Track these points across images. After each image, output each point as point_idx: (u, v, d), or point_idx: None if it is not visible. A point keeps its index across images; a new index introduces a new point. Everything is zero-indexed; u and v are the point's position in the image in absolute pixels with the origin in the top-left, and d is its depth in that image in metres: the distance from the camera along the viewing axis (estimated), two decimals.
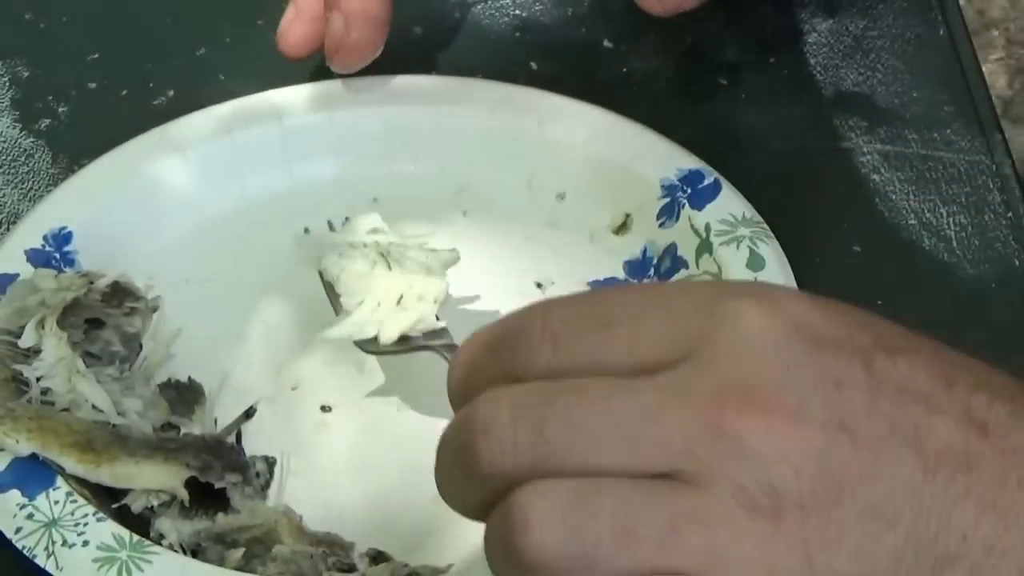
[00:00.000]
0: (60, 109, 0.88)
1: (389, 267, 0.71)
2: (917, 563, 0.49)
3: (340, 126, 0.83)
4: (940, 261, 0.79)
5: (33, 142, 0.86)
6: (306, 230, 0.76)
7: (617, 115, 0.82)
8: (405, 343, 0.71)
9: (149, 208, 0.81)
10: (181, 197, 0.81)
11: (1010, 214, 0.80)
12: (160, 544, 0.67)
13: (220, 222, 0.82)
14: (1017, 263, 0.78)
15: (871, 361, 0.50)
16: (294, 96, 0.84)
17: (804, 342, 0.50)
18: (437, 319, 0.71)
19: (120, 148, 0.82)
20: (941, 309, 0.77)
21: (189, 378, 0.74)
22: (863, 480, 0.49)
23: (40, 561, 0.66)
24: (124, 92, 0.89)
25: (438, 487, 0.53)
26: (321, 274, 0.73)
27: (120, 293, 0.74)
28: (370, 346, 0.71)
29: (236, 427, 0.74)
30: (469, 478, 0.51)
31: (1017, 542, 0.49)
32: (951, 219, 0.80)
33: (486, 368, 0.53)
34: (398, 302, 0.70)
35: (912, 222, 0.80)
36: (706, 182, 0.79)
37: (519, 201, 0.82)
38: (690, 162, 0.80)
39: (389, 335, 0.70)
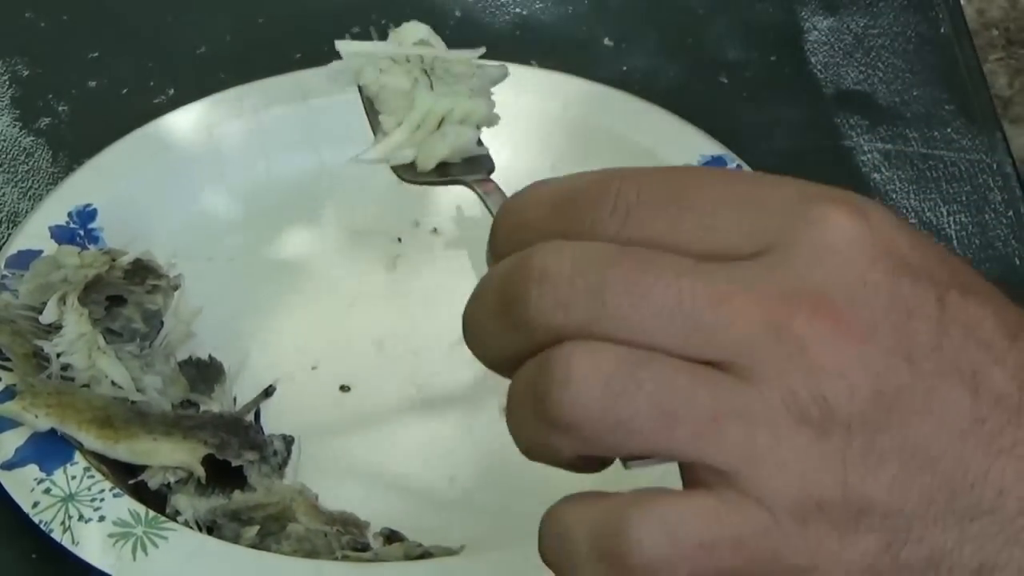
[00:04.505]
0: (60, 108, 0.84)
1: (432, 85, 0.63)
2: (948, 508, 0.44)
3: None
4: None
5: (33, 140, 0.82)
6: (347, 35, 0.68)
7: (641, 100, 0.79)
8: (443, 170, 0.62)
9: (174, 186, 0.77)
10: (206, 176, 0.77)
11: (1010, 213, 0.76)
12: (176, 520, 0.64)
13: (244, 201, 0.78)
14: (1018, 262, 0.74)
15: (945, 296, 0.44)
16: (321, 77, 0.78)
17: (887, 262, 0.44)
18: (480, 144, 0.62)
19: (146, 127, 0.78)
20: None
21: (209, 356, 0.70)
22: (914, 413, 0.43)
23: (56, 535, 0.62)
24: (124, 91, 0.84)
25: (464, 330, 0.46)
26: (360, 89, 0.64)
27: (142, 270, 0.70)
28: (406, 173, 0.62)
29: (255, 405, 0.70)
30: (510, 325, 0.44)
31: None
32: (952, 218, 0.76)
33: (544, 223, 0.45)
34: (439, 124, 0.62)
35: (913, 221, 0.76)
36: (729, 168, 0.75)
37: None
38: (714, 148, 0.76)
39: (426, 162, 0.62)
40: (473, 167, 0.61)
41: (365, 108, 0.63)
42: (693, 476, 0.43)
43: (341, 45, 0.64)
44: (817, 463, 0.43)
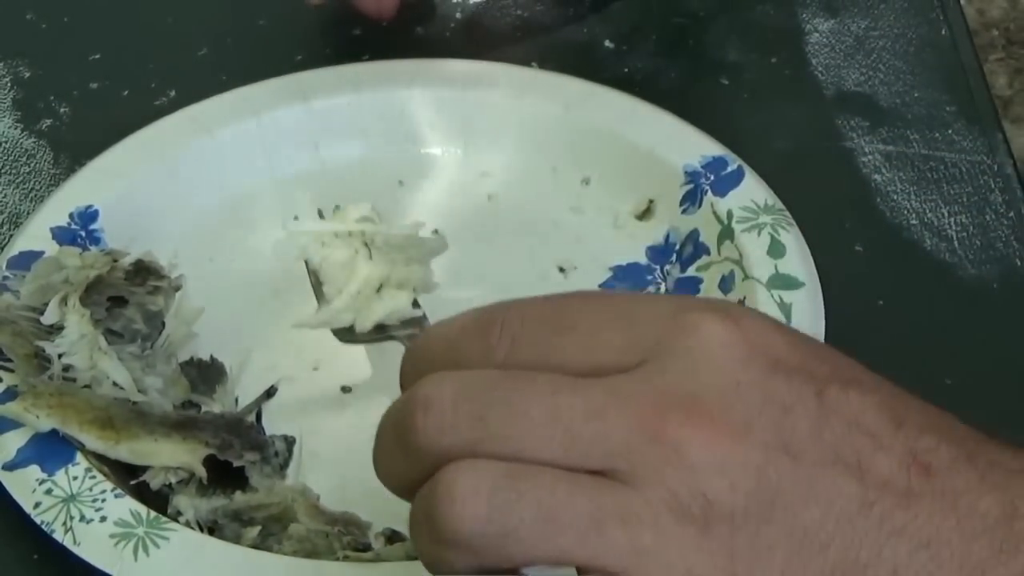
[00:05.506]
0: (62, 109, 0.83)
1: (371, 256, 0.66)
2: None
3: (367, 108, 0.79)
4: (941, 261, 0.74)
5: (35, 142, 0.82)
6: (296, 217, 0.71)
7: (642, 101, 0.79)
8: (382, 332, 0.66)
9: (175, 187, 0.77)
10: (207, 177, 0.77)
11: (1011, 214, 0.76)
12: (177, 521, 0.63)
13: (246, 202, 0.77)
14: (1018, 263, 0.74)
15: (824, 391, 0.46)
16: (322, 78, 0.80)
17: (759, 363, 0.46)
18: (417, 306, 0.66)
19: (147, 128, 0.78)
20: (942, 309, 0.73)
21: (211, 357, 0.70)
22: (798, 502, 0.45)
23: (58, 536, 0.62)
24: (125, 92, 0.84)
25: (374, 463, 0.49)
26: (306, 263, 0.69)
27: (144, 271, 0.70)
28: (346, 335, 0.67)
29: (257, 406, 0.69)
30: (404, 454, 0.47)
31: None
32: (952, 219, 0.76)
33: (439, 356, 0.49)
34: (378, 291, 0.66)
35: (913, 222, 0.76)
36: (729, 169, 0.75)
37: (544, 186, 0.78)
38: (714, 149, 0.76)
39: (364, 324, 0.66)
40: (410, 328, 0.65)
41: (311, 280, 0.68)
42: None
43: (290, 226, 0.69)
44: (704, 559, 0.44)
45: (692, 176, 0.75)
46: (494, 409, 0.45)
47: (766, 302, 0.68)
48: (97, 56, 0.86)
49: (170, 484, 0.64)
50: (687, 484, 0.44)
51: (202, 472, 0.64)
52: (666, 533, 0.44)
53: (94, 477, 0.63)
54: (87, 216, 0.74)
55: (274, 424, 0.68)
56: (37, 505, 0.63)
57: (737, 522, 0.44)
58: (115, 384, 0.66)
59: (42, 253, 0.71)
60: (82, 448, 0.64)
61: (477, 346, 0.48)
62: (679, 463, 0.44)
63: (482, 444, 0.45)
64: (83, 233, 0.73)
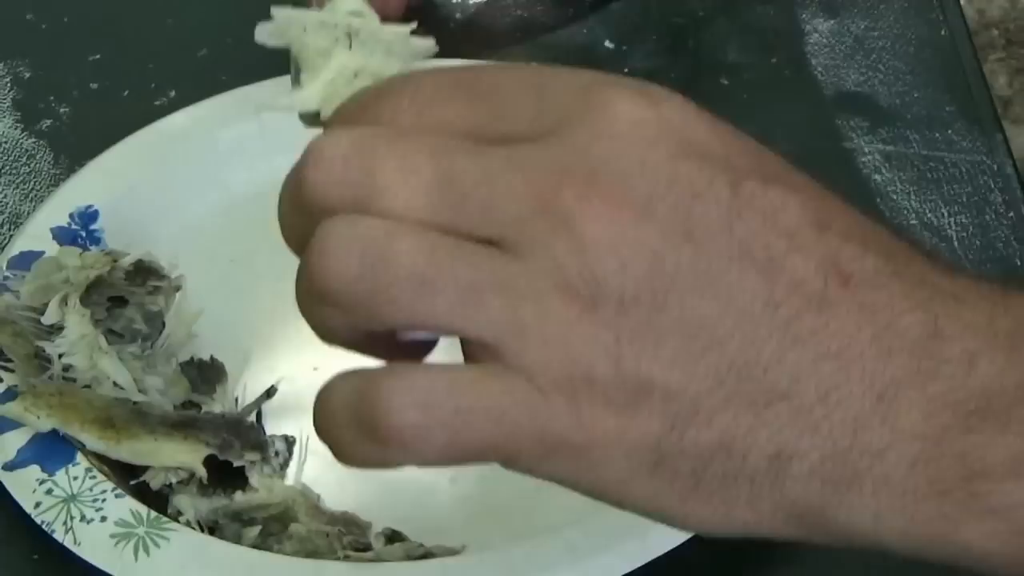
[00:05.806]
0: (62, 110, 0.83)
1: (351, 46, 0.64)
2: (739, 391, 0.42)
3: None
4: None
5: (35, 142, 0.82)
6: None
7: None
8: None
9: (175, 187, 0.76)
10: (207, 177, 0.77)
11: (1011, 214, 0.76)
12: (178, 521, 0.63)
13: (245, 203, 0.77)
14: (1019, 263, 0.74)
15: (740, 183, 0.42)
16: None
17: (670, 145, 0.42)
18: None
19: (147, 128, 0.78)
20: None
21: (211, 357, 0.70)
22: (695, 292, 0.42)
23: (58, 536, 0.62)
24: (125, 92, 0.84)
25: (279, 223, 0.46)
26: (291, 52, 0.66)
27: (144, 272, 0.70)
28: (311, 120, 0.64)
29: (257, 406, 0.69)
30: (296, 209, 0.44)
31: (856, 396, 0.42)
32: (952, 219, 0.76)
33: (354, 117, 0.46)
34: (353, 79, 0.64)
35: (913, 222, 0.76)
36: None
37: None
38: None
39: (329, 110, 0.62)
40: None
41: (291, 67, 0.64)
42: (466, 352, 0.43)
43: (275, 11, 0.64)
44: (586, 338, 0.42)
45: None
46: (385, 165, 0.43)
47: None
48: (97, 56, 0.86)
49: (170, 484, 0.64)
50: (575, 259, 0.42)
51: (202, 472, 0.64)
52: (547, 308, 0.42)
53: (94, 477, 0.63)
54: (87, 216, 0.74)
55: (274, 424, 0.68)
56: (37, 505, 0.63)
57: (626, 305, 0.42)
58: (115, 384, 0.66)
59: (42, 253, 0.71)
60: (82, 448, 0.64)
61: (387, 107, 0.45)
62: (568, 236, 0.41)
63: (368, 200, 0.43)
64: (83, 233, 0.73)
